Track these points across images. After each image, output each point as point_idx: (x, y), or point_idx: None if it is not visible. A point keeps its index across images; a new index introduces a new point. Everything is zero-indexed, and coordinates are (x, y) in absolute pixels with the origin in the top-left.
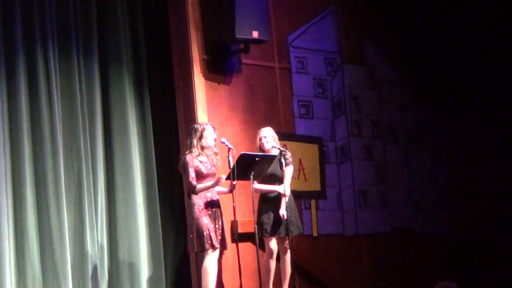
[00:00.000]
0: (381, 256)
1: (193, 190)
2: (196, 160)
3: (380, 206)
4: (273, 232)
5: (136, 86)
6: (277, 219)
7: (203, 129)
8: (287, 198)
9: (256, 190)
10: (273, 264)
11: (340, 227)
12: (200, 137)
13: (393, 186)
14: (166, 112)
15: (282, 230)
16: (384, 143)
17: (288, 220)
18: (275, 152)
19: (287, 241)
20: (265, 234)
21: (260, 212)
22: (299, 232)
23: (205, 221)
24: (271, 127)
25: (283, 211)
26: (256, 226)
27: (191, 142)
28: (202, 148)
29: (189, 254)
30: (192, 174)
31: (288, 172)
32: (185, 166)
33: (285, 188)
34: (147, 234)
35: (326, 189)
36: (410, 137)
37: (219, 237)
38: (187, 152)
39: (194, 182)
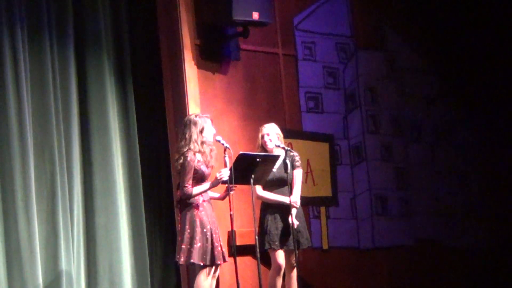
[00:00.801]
0: (402, 273)
1: (186, 195)
2: (197, 159)
3: (401, 215)
4: (282, 244)
5: (118, 76)
6: (285, 228)
7: (204, 121)
8: (294, 212)
9: (260, 198)
10: (279, 282)
11: (355, 239)
12: (201, 131)
13: (417, 191)
14: (152, 105)
15: (291, 241)
16: (406, 141)
17: (297, 230)
18: (279, 152)
19: (294, 256)
20: (273, 247)
21: (264, 220)
22: (308, 245)
23: (203, 228)
24: (274, 123)
25: (294, 219)
26: (257, 237)
27: (190, 137)
28: (202, 144)
29: (179, 268)
30: (189, 176)
31: (298, 176)
32: (185, 166)
33: (295, 197)
34: (130, 248)
35: (338, 195)
36: (437, 134)
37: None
38: (186, 148)
39: (189, 187)
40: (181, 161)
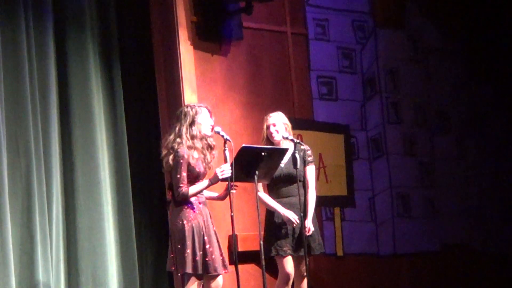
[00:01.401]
0: (426, 283)
1: (182, 196)
2: (190, 155)
3: (426, 217)
4: (292, 250)
5: (103, 59)
6: (295, 232)
7: (196, 113)
8: (310, 215)
9: (260, 200)
10: None
11: (373, 245)
12: (191, 124)
13: (443, 189)
14: (142, 92)
15: (300, 247)
16: (432, 133)
17: (296, 236)
18: (287, 145)
19: (304, 263)
20: (281, 253)
21: (271, 222)
22: (321, 251)
23: (196, 234)
24: (282, 112)
25: (309, 223)
26: (262, 242)
27: (179, 130)
28: (193, 137)
29: (173, 277)
30: (183, 174)
31: (311, 176)
32: (178, 162)
33: (309, 221)
34: (117, 253)
35: (355, 194)
36: (466, 124)
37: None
38: (178, 142)
39: (184, 187)
40: (171, 157)
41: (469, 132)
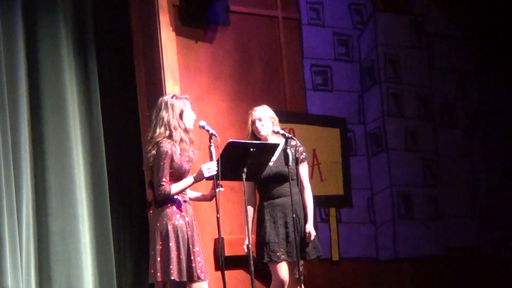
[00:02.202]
0: None
1: (163, 195)
2: (175, 150)
3: (430, 218)
4: (286, 256)
5: (77, 45)
6: (289, 236)
7: (184, 104)
8: (311, 218)
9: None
10: None
11: (372, 248)
12: (181, 115)
13: (448, 188)
14: (120, 82)
15: (294, 252)
16: (436, 127)
17: (300, 239)
18: (276, 140)
19: (296, 268)
20: (274, 259)
21: (262, 225)
22: (317, 255)
23: (180, 237)
24: (270, 104)
25: (310, 227)
26: (250, 246)
27: (168, 122)
28: (186, 131)
29: (154, 286)
30: (166, 171)
31: (304, 173)
32: (162, 158)
33: (310, 225)
34: (93, 259)
35: (352, 193)
36: (473, 117)
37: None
38: (162, 136)
39: (166, 185)
40: (154, 152)
41: (476, 126)
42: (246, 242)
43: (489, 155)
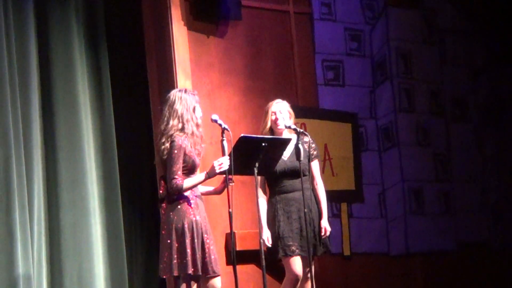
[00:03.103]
0: (441, 283)
1: (176, 189)
2: (188, 145)
3: (441, 213)
4: (301, 250)
5: (88, 39)
6: (303, 230)
7: (197, 101)
8: (325, 213)
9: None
10: None
11: (383, 243)
12: (194, 110)
13: (460, 183)
14: (131, 76)
15: (305, 247)
16: (447, 122)
17: (313, 233)
18: (289, 135)
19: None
20: (289, 253)
21: (275, 218)
22: (325, 250)
23: (194, 232)
24: (282, 99)
25: (325, 223)
26: (261, 241)
27: (182, 115)
28: (198, 126)
29: (165, 280)
30: (179, 165)
31: (316, 169)
32: (176, 153)
33: (325, 220)
34: (104, 252)
35: (363, 189)
36: (485, 112)
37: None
38: (175, 129)
39: (179, 179)
40: (167, 145)
41: (488, 121)
42: (265, 235)
43: (500, 150)
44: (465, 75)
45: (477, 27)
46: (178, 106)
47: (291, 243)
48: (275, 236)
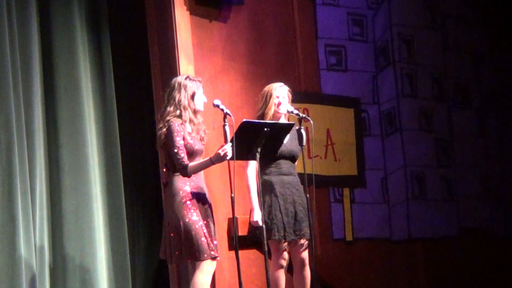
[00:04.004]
0: (443, 269)
1: (183, 171)
2: (185, 129)
3: (443, 198)
4: (294, 234)
5: (90, 24)
6: (297, 213)
7: (197, 87)
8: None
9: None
10: (283, 278)
11: (386, 228)
12: (193, 96)
13: (462, 169)
14: (134, 61)
15: (305, 230)
16: (450, 107)
17: (299, 217)
18: (283, 119)
19: (303, 247)
20: (280, 237)
21: (270, 200)
22: (307, 237)
23: (195, 217)
24: (284, 84)
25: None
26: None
27: (179, 101)
28: (195, 113)
29: (167, 265)
30: (181, 147)
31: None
32: (171, 135)
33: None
34: (106, 237)
35: (366, 174)
36: (487, 98)
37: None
38: (172, 115)
39: (185, 160)
40: (164, 130)
41: (490, 107)
42: (257, 216)
43: (502, 136)
44: (467, 61)
45: (479, 13)
46: (176, 93)
47: (279, 227)
48: (270, 218)
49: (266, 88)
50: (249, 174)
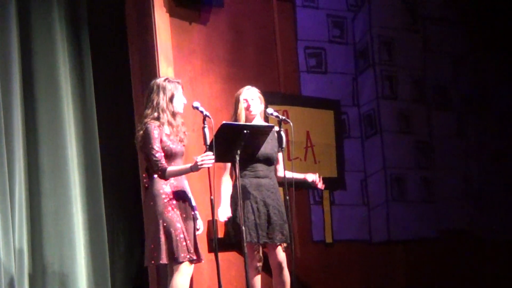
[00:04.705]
0: (423, 271)
1: (161, 174)
2: (163, 132)
3: (423, 200)
4: (268, 237)
5: (70, 26)
6: (271, 217)
7: (175, 88)
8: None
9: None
10: (258, 282)
11: (365, 230)
12: (171, 99)
13: (442, 171)
14: (114, 63)
15: (277, 234)
16: (429, 109)
17: (273, 221)
18: (261, 121)
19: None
20: (251, 239)
21: (243, 203)
22: (282, 241)
23: (176, 218)
24: (264, 86)
25: (313, 177)
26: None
27: (157, 104)
28: (174, 115)
29: (147, 267)
30: (158, 149)
31: (281, 158)
32: (148, 137)
33: (292, 175)
34: (86, 240)
35: (345, 176)
36: (467, 100)
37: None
38: (150, 117)
39: (163, 162)
40: (141, 132)
41: (470, 109)
42: (225, 215)
43: (482, 138)
44: (447, 63)
45: (459, 16)
46: (155, 95)
47: (253, 230)
48: (243, 221)
49: (236, 94)
50: (223, 180)
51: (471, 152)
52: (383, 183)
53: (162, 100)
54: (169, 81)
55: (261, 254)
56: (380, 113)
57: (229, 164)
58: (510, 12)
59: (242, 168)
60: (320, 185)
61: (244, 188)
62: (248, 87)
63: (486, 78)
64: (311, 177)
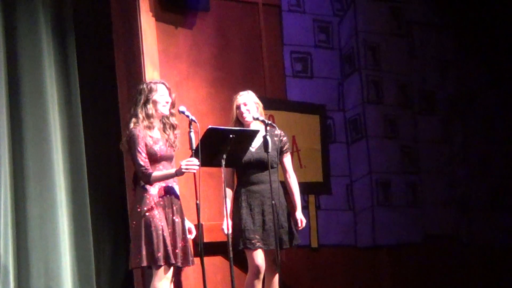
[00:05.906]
0: (408, 275)
1: (145, 179)
2: (147, 135)
3: (408, 205)
4: (262, 243)
5: (56, 30)
6: (266, 224)
7: (150, 90)
8: (299, 205)
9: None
10: (259, 287)
11: (351, 235)
12: (146, 102)
13: (427, 176)
14: (99, 67)
15: (270, 240)
16: (415, 114)
17: (279, 226)
18: (257, 126)
19: (273, 257)
20: (250, 246)
21: (239, 211)
22: (296, 243)
23: (159, 222)
24: (252, 90)
25: (300, 215)
26: (229, 232)
27: (134, 109)
28: (148, 117)
29: (133, 272)
30: (143, 154)
31: (289, 162)
32: (132, 142)
33: (299, 212)
34: (71, 244)
35: (331, 180)
36: (453, 105)
37: (181, 247)
38: (133, 122)
39: (147, 167)
40: (126, 137)
41: (455, 114)
42: (225, 225)
43: (467, 143)
44: (433, 68)
45: (445, 21)
46: (136, 100)
47: (252, 236)
48: (237, 228)
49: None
50: (224, 184)
51: (456, 157)
52: (368, 187)
53: (148, 104)
54: (148, 84)
55: (262, 259)
56: (365, 117)
57: (226, 170)
58: (495, 17)
59: (239, 177)
60: (299, 226)
61: (239, 194)
62: (242, 93)
63: (471, 83)
64: (299, 215)
